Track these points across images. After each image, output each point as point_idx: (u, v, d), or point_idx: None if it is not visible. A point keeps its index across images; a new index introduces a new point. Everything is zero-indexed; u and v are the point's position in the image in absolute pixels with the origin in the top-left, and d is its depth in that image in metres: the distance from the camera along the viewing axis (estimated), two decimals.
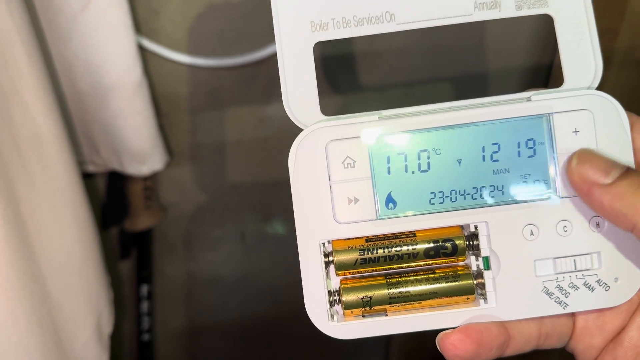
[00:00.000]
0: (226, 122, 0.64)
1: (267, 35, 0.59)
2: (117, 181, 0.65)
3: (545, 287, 0.28)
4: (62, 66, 0.54)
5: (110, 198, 0.66)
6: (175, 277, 0.75)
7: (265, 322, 0.78)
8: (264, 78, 0.61)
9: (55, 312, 0.47)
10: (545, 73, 0.63)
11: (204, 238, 0.72)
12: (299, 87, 0.28)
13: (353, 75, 0.62)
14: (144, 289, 0.71)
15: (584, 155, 0.27)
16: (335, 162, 0.28)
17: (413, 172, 0.28)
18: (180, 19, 0.58)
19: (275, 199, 0.70)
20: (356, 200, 0.28)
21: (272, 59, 0.60)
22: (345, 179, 0.28)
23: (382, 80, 0.62)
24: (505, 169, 0.28)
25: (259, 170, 0.68)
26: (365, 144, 0.28)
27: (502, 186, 0.28)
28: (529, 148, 0.28)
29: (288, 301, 0.75)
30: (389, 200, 0.28)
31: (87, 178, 0.64)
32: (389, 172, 0.28)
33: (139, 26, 0.57)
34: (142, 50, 0.57)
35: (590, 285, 0.28)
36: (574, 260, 0.28)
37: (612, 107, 0.27)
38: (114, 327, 0.57)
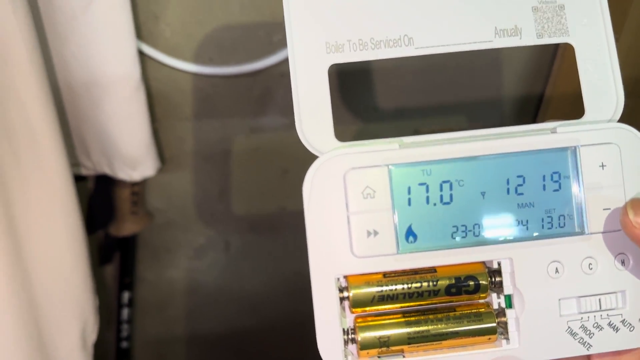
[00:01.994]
0: (218, 131, 0.64)
1: (265, 47, 0.59)
2: (105, 185, 0.63)
3: (569, 327, 0.27)
4: (59, 66, 0.53)
5: (97, 201, 0.65)
6: (155, 283, 0.73)
7: (244, 332, 0.77)
8: (259, 89, 0.61)
9: (41, 319, 0.46)
10: (535, 104, 0.63)
11: (187, 246, 0.71)
12: (313, 111, 0.27)
13: (359, 98, 0.61)
14: (126, 296, 0.69)
15: (638, 204, 0.26)
16: (354, 192, 0.26)
17: (435, 204, 0.26)
18: (179, 25, 0.57)
19: (262, 210, 0.69)
20: (375, 232, 0.26)
21: (269, 70, 0.60)
22: (364, 210, 0.26)
23: (395, 103, 0.62)
24: (530, 203, 0.27)
25: (247, 180, 0.67)
26: (385, 173, 0.26)
27: (527, 221, 0.27)
28: (555, 182, 0.27)
29: (268, 313, 0.74)
30: (409, 233, 0.27)
31: (76, 181, 0.63)
32: (409, 204, 0.26)
33: (137, 29, 0.56)
34: (139, 53, 0.56)
35: (614, 326, 0.27)
36: (599, 299, 0.27)
37: (637, 141, 0.27)
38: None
